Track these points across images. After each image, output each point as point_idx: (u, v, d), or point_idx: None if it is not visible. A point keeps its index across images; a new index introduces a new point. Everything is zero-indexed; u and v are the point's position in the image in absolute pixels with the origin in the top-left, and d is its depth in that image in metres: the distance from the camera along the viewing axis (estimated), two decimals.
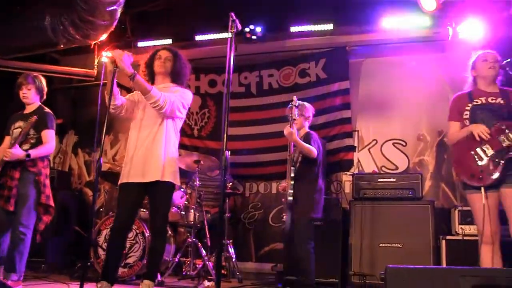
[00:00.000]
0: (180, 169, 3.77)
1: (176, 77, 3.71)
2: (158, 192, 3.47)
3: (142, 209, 5.03)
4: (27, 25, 5.01)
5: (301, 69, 6.38)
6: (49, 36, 4.99)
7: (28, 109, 4.17)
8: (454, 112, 3.75)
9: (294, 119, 4.07)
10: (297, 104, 4.07)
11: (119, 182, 3.56)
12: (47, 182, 4.00)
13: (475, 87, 3.78)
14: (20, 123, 4.06)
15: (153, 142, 3.48)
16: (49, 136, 4.01)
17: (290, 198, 3.96)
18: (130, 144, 3.58)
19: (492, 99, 3.65)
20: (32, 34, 5.04)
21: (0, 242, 3.84)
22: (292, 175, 4.06)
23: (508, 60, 3.52)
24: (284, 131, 4.08)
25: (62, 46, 5.29)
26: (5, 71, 6.02)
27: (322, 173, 4.36)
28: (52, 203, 3.98)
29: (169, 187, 3.54)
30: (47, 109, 4.21)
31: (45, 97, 4.30)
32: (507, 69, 3.52)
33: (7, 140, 4.11)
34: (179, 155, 4.32)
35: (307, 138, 4.27)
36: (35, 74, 4.27)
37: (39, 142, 4.02)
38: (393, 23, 5.61)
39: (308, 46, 6.25)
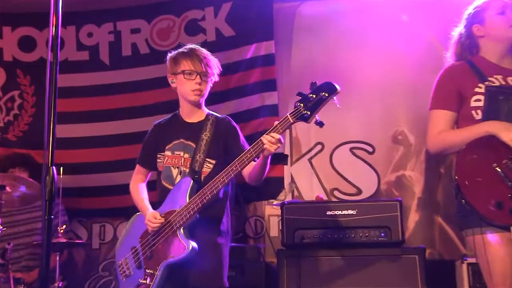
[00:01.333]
0: None
1: None
2: None
3: None
4: None
5: (190, 21, 6.30)
6: None
7: None
8: (447, 94, 3.70)
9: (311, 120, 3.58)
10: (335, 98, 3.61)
11: None
12: None
13: (478, 55, 3.74)
14: None
15: None
16: None
17: (193, 245, 3.72)
18: None
19: None
20: None
21: None
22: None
23: None
24: (268, 145, 3.61)
25: None
26: None
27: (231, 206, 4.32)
28: None
29: None
30: None
31: None
32: None
33: None
34: None
35: (228, 133, 4.03)
36: None
37: None
38: None
39: None
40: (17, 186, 4.93)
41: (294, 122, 3.57)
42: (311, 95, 3.56)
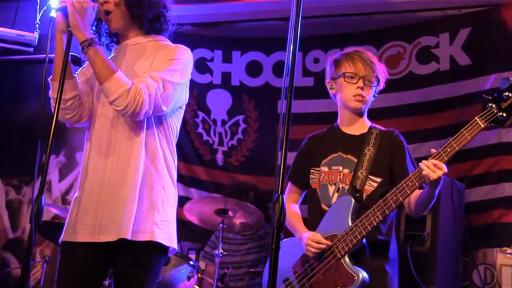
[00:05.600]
0: (187, 224, 4.23)
1: (142, 17, 3.43)
2: (129, 262, 3.29)
3: None
4: None
5: (422, 48, 6.15)
6: None
7: None
8: None
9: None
10: None
11: (60, 239, 3.42)
12: None
13: None
14: None
15: (123, 167, 3.33)
16: None
17: (363, 275, 3.52)
18: (82, 170, 3.46)
19: None
20: None
21: None
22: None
23: None
24: (427, 171, 3.32)
25: None
26: None
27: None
28: None
29: (153, 254, 3.33)
30: None
31: None
32: None
33: None
34: (188, 199, 5.13)
35: (394, 148, 3.75)
36: None
37: None
38: None
39: (435, 3, 6.05)
40: (239, 212, 5.09)
41: (485, 127, 3.26)
42: (506, 93, 3.25)
